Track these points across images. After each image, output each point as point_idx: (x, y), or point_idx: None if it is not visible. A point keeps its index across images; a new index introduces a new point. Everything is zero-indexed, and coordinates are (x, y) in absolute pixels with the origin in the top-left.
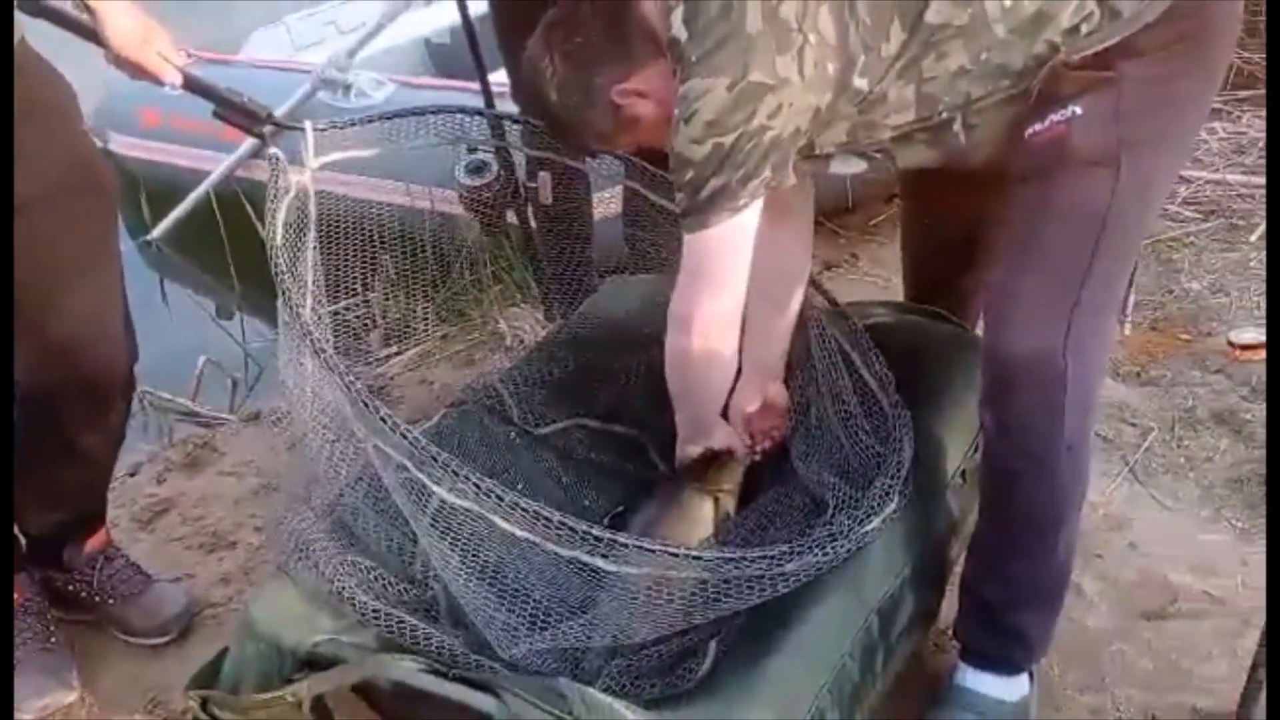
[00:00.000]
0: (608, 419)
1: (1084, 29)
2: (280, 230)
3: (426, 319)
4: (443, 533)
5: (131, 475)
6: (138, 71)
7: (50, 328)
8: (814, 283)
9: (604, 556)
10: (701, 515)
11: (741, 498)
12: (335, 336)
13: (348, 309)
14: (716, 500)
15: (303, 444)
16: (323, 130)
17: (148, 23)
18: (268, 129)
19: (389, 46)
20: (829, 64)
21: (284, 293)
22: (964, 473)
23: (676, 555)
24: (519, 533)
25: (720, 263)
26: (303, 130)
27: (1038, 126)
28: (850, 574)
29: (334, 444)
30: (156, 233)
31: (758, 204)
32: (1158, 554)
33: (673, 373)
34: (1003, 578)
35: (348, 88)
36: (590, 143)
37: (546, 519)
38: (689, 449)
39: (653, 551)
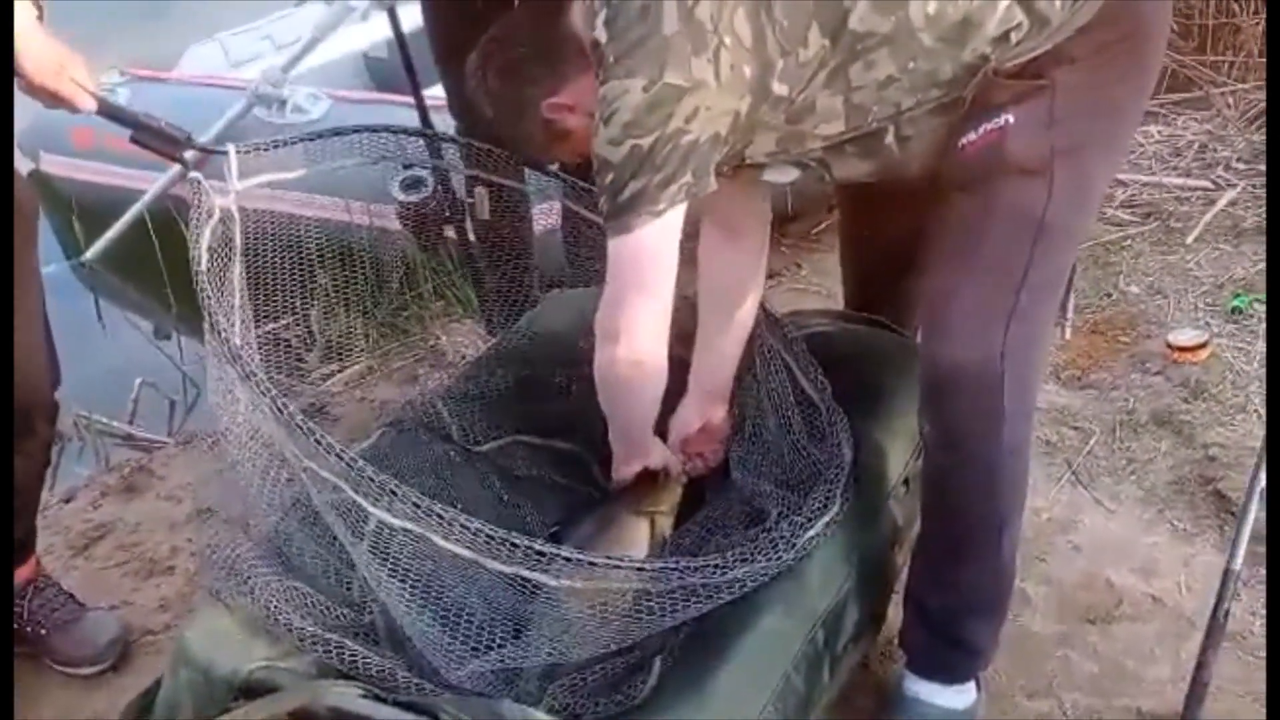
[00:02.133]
0: (548, 435)
1: (1013, 37)
2: (205, 256)
3: (366, 336)
4: (381, 555)
5: (67, 501)
6: (53, 100)
7: None
8: None
9: (545, 571)
10: (637, 537)
11: (681, 512)
12: (273, 356)
13: (286, 327)
14: (653, 522)
15: (236, 470)
16: (246, 153)
17: (62, 50)
18: (189, 153)
19: (325, 61)
20: (745, 67)
21: (210, 319)
22: (907, 480)
23: (619, 567)
24: (460, 550)
25: (644, 269)
26: (225, 153)
27: (971, 136)
28: (793, 585)
29: (268, 470)
30: (90, 254)
31: (680, 209)
32: (1101, 557)
33: (602, 386)
34: (946, 586)
35: (283, 103)
36: (528, 154)
37: (488, 536)
38: (624, 469)
39: (594, 564)
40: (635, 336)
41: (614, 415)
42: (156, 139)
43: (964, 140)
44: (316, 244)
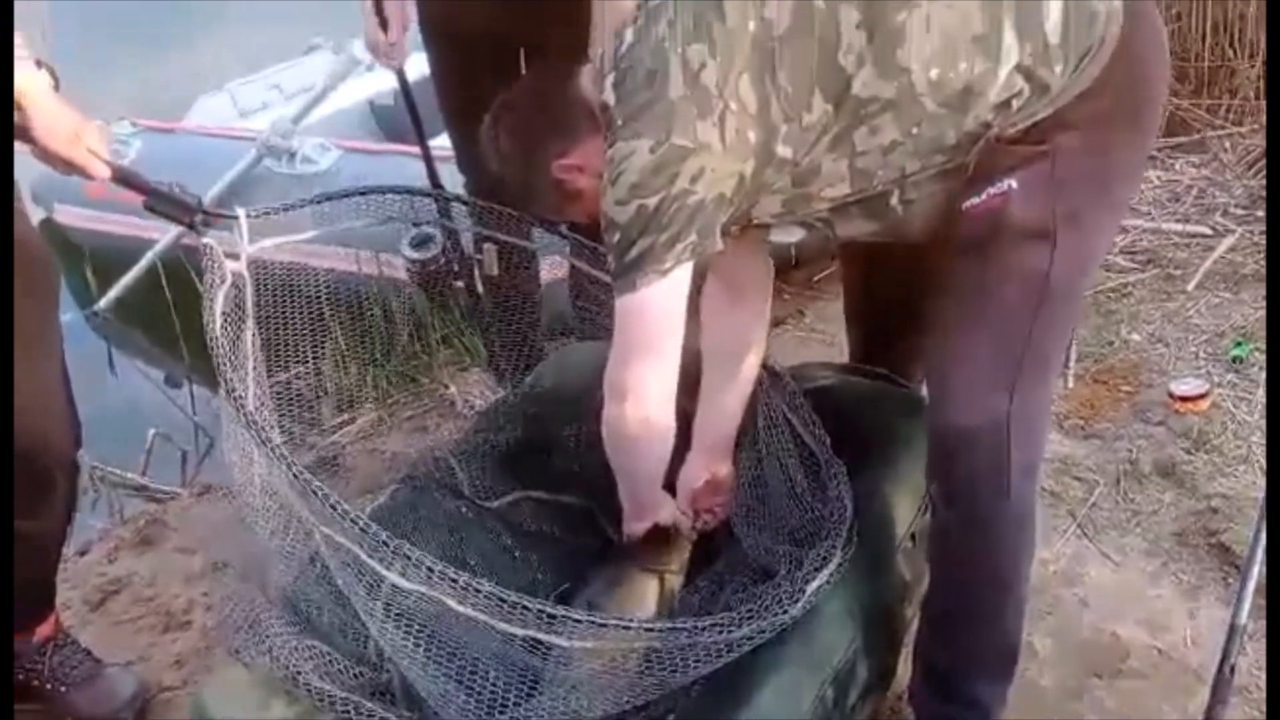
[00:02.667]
0: (557, 489)
1: (1014, 104)
2: (218, 320)
3: (377, 386)
4: (396, 616)
5: (82, 554)
6: (67, 167)
7: None
8: None
9: (557, 633)
10: (646, 594)
11: (689, 568)
12: (285, 406)
13: (297, 377)
14: (662, 579)
15: (252, 527)
16: (256, 217)
17: (76, 118)
18: (199, 218)
19: (333, 110)
20: (750, 131)
21: (225, 383)
22: (914, 535)
23: (629, 628)
24: (473, 614)
25: (652, 328)
26: (235, 219)
27: (975, 200)
28: (803, 641)
29: (283, 529)
30: (103, 303)
31: (686, 268)
32: (1108, 610)
33: (610, 443)
34: (954, 644)
35: (293, 154)
36: (539, 213)
37: (500, 599)
38: (634, 525)
39: (605, 625)
40: (643, 394)
41: (623, 472)
42: (169, 205)
43: (968, 204)
44: (327, 294)
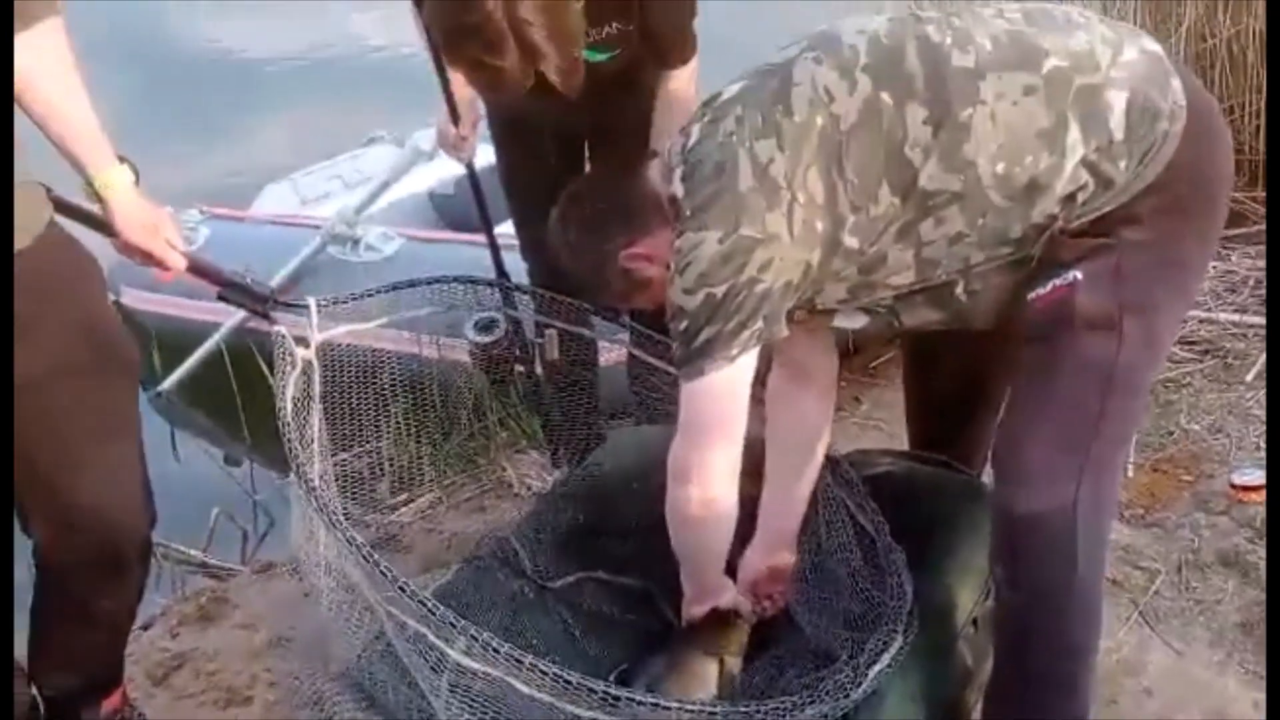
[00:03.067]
0: (617, 571)
1: (1079, 197)
2: (289, 406)
3: (435, 466)
4: (461, 695)
5: (145, 629)
6: (145, 259)
7: (68, 496)
8: None
9: (620, 715)
10: (706, 676)
11: (748, 653)
12: (345, 484)
13: (356, 457)
14: (722, 662)
15: (316, 604)
16: (326, 306)
17: (156, 211)
18: (271, 307)
19: (394, 200)
20: (817, 222)
21: (296, 466)
22: (975, 620)
23: (691, 710)
24: (537, 695)
25: (717, 412)
26: (306, 307)
27: (1040, 291)
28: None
29: (347, 606)
30: (167, 384)
31: (752, 354)
32: (1172, 700)
33: (674, 524)
34: None
35: (356, 242)
36: (605, 301)
37: (565, 680)
38: (694, 608)
39: (668, 707)
40: (708, 478)
41: (685, 554)
42: (243, 295)
43: (1033, 294)
44: (388, 375)
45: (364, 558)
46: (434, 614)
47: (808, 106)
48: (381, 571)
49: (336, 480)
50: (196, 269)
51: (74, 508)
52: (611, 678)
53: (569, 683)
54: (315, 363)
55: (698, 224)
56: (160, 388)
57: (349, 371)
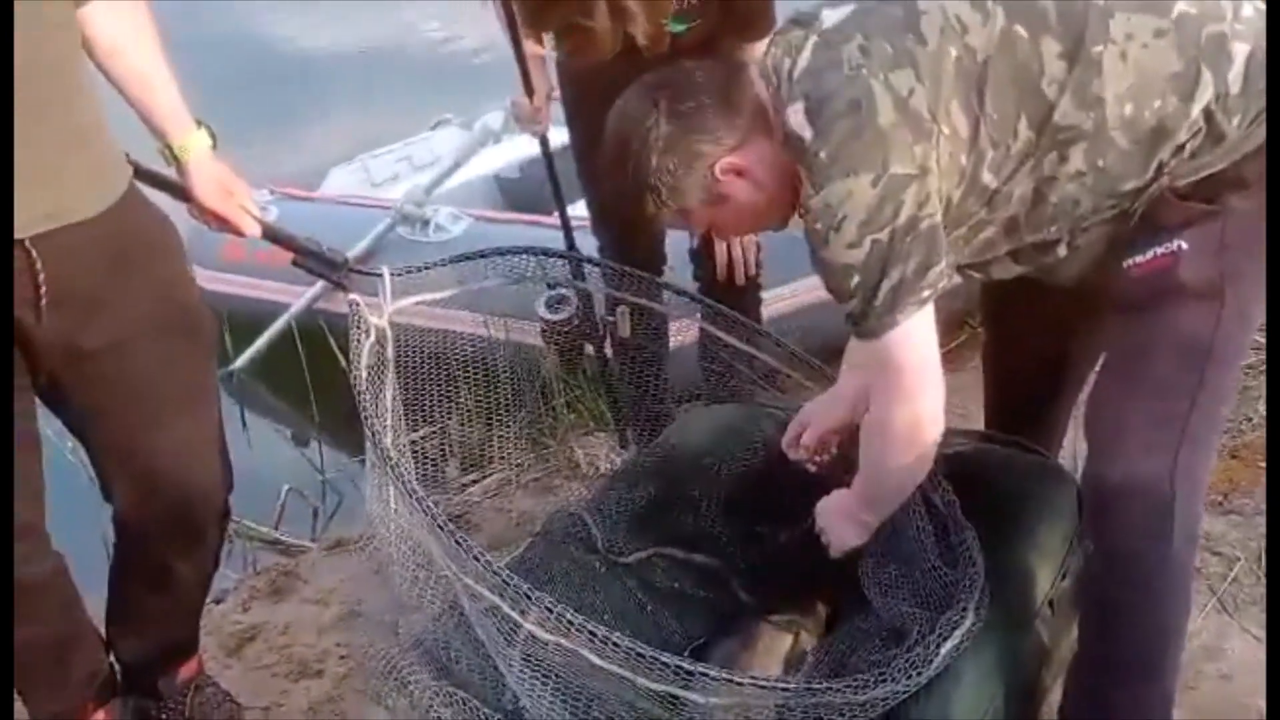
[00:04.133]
0: (689, 548)
1: (1189, 148)
2: (364, 374)
3: (503, 447)
4: (534, 666)
5: (218, 602)
6: (220, 223)
7: (147, 460)
8: None
9: (694, 689)
10: (779, 650)
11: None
12: (415, 466)
13: (425, 438)
14: (796, 636)
15: (388, 574)
16: (400, 275)
17: (231, 176)
18: (345, 275)
19: (461, 182)
20: (961, 156)
21: (371, 433)
22: (1051, 602)
23: (765, 685)
24: (611, 668)
25: (919, 358)
26: (380, 276)
27: (1139, 258)
28: (941, 706)
29: (421, 577)
30: (239, 364)
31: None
32: (1250, 685)
33: (877, 437)
34: (1106, 708)
35: (425, 222)
36: (669, 213)
37: (639, 654)
38: (847, 530)
39: (741, 683)
40: (931, 425)
41: (874, 468)
42: (317, 262)
43: (1131, 262)
44: (457, 357)
45: (439, 527)
46: (508, 584)
47: (939, 35)
48: (456, 541)
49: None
50: (272, 235)
51: (154, 470)
52: (685, 653)
53: (642, 656)
54: (389, 331)
55: (843, 169)
56: (231, 367)
57: (419, 353)
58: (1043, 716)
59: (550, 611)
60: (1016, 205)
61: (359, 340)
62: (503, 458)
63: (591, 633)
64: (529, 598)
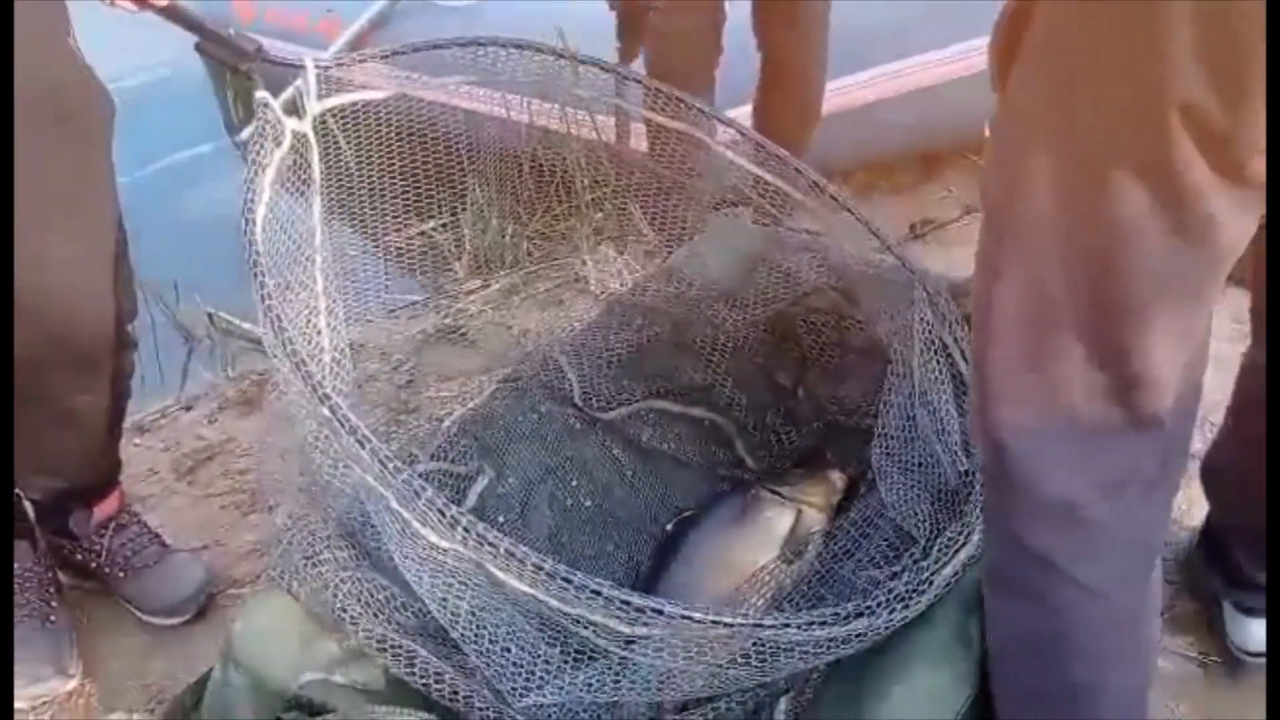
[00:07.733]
0: (686, 400)
1: None
2: (261, 207)
3: (516, 249)
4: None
5: (187, 409)
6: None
7: (23, 279)
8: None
9: (635, 623)
10: (778, 529)
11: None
12: (422, 261)
13: (435, 230)
14: (799, 514)
15: (304, 455)
16: (327, 68)
17: None
18: (256, 65)
19: None
20: None
21: (262, 296)
22: None
23: (722, 622)
24: (520, 585)
25: None
26: (300, 66)
27: None
28: (952, 636)
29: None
30: (245, 134)
31: None
32: None
33: None
34: None
35: None
36: None
37: (548, 573)
38: None
39: (693, 619)
40: None
41: None
42: (222, 48)
43: None
44: (468, 143)
45: (363, 446)
46: (420, 495)
47: None
48: (380, 461)
49: (416, 252)
50: (173, 14)
51: (30, 291)
52: (669, 526)
53: (553, 576)
54: (313, 139)
55: None
56: (237, 138)
57: (431, 132)
58: None
59: (444, 515)
60: None
61: (264, 151)
62: (513, 260)
63: (493, 544)
64: (419, 495)
